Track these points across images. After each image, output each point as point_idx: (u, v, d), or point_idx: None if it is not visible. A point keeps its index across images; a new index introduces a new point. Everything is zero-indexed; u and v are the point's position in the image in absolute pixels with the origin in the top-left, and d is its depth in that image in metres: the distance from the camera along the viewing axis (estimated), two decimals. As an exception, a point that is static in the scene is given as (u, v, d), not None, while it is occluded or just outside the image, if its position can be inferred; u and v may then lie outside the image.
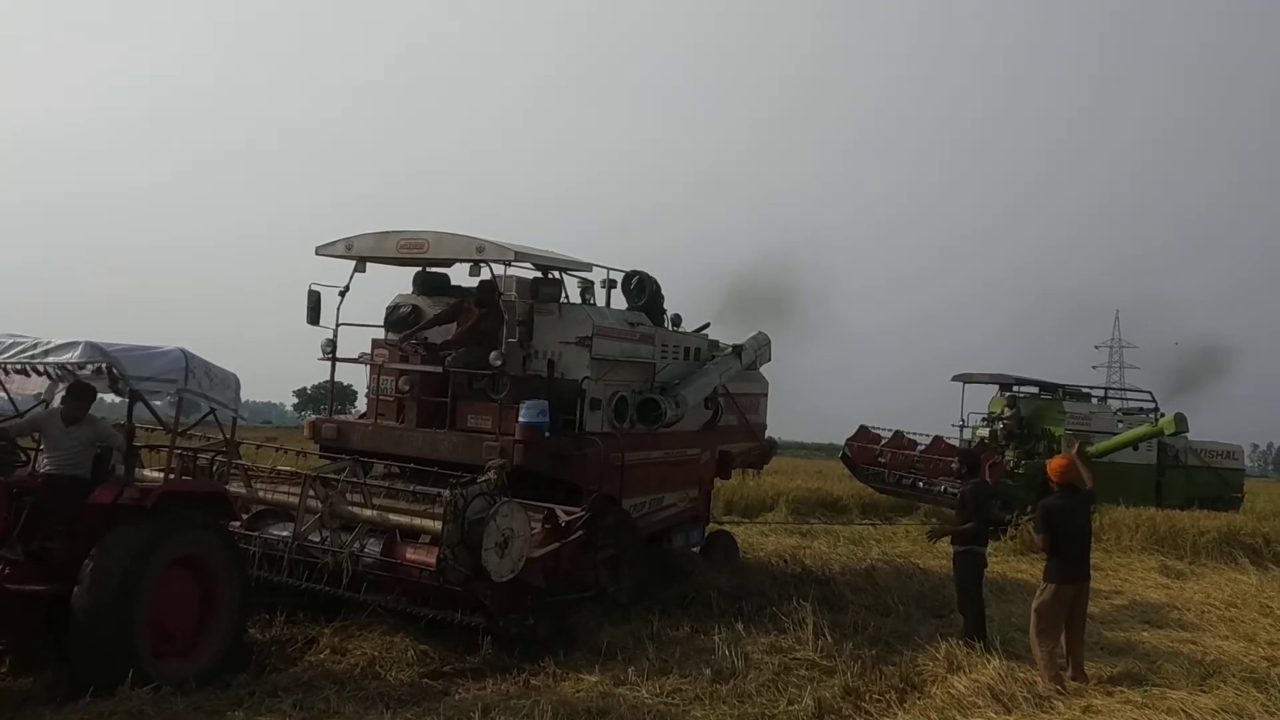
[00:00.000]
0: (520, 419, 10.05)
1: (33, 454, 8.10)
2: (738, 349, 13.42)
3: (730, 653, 8.51)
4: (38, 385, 8.17)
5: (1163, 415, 22.44)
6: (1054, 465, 9.04)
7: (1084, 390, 25.54)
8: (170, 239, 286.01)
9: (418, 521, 8.73)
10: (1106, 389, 30.25)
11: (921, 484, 22.22)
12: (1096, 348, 68.64)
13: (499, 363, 10.23)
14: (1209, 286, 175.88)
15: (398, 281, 11.91)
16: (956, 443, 23.10)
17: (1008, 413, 22.95)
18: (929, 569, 14.11)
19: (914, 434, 23.51)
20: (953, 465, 20.87)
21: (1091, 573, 9.14)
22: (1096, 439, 21.40)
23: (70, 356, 7.12)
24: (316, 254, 11.07)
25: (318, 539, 8.80)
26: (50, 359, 7.23)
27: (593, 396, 10.82)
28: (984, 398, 24.34)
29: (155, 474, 8.63)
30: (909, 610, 11.24)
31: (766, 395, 14.42)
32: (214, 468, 8.91)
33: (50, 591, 6.98)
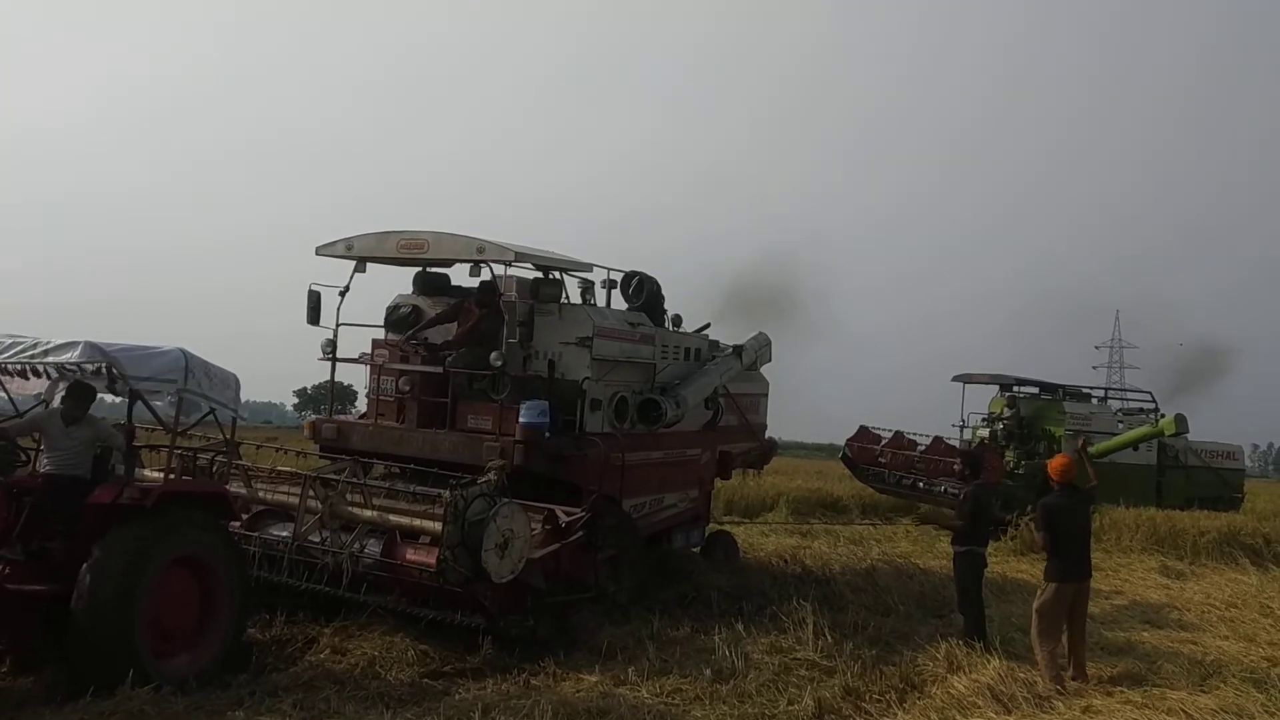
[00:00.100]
0: (520, 419, 10.05)
1: (33, 454, 8.10)
2: (738, 349, 13.41)
3: (730, 653, 8.51)
4: (38, 385, 8.16)
5: (1163, 416, 22.44)
6: (1054, 465, 9.04)
7: (1084, 390, 25.53)
8: (170, 238, 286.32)
9: (418, 522, 8.73)
10: (1107, 389, 30.25)
11: (922, 484, 22.21)
12: (1097, 348, 68.72)
13: (499, 363, 10.23)
14: (1209, 286, 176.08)
15: (398, 282, 11.92)
16: (957, 443, 23.10)
17: (1008, 413, 22.95)
18: (929, 569, 14.11)
19: (914, 434, 23.51)
20: (955, 467, 20.89)
21: (1092, 572, 9.15)
22: (1097, 439, 21.39)
23: (70, 356, 7.11)
24: (316, 254, 11.07)
25: (318, 539, 8.80)
26: (50, 359, 7.22)
27: (593, 397, 10.82)
28: (984, 398, 24.36)
29: (155, 474, 8.64)
30: (909, 610, 11.24)
31: (767, 395, 14.42)
32: (214, 468, 8.91)
33: (50, 591, 6.98)
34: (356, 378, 12.90)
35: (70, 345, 7.11)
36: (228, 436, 8.40)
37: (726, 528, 15.90)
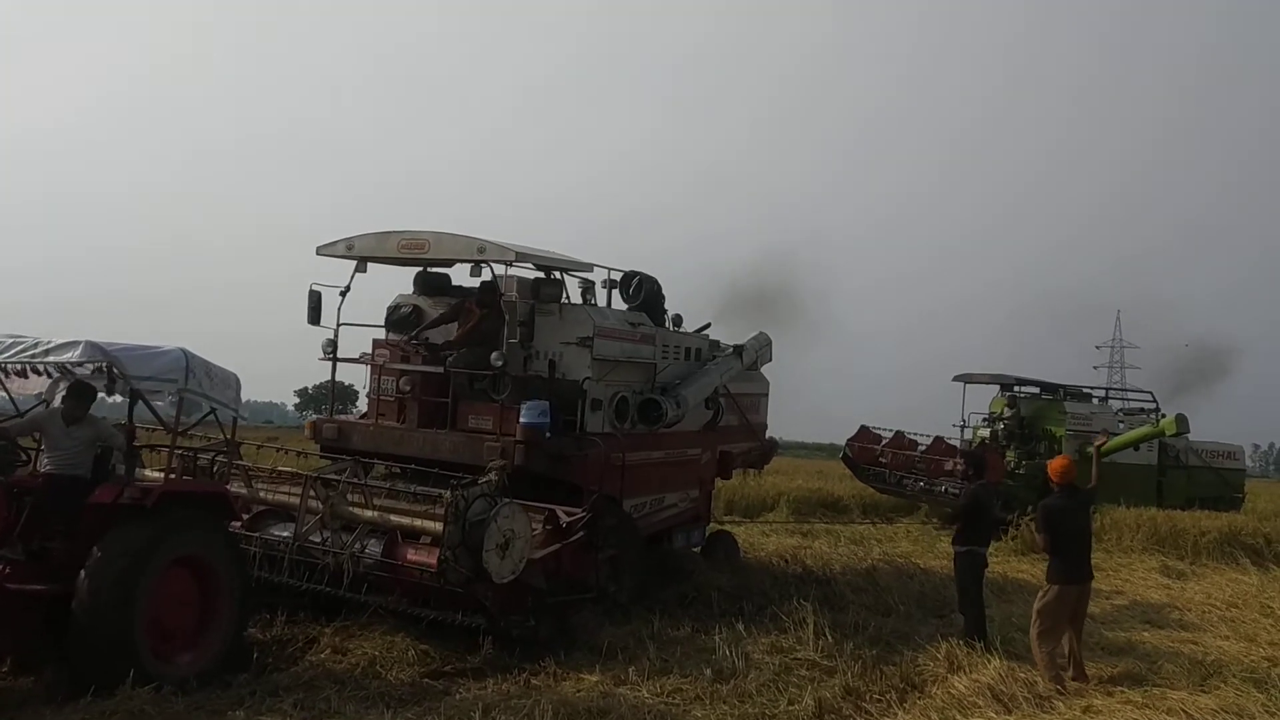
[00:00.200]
0: (521, 420, 10.05)
1: (33, 454, 8.10)
2: (738, 349, 13.41)
3: (731, 652, 8.51)
4: (38, 385, 8.16)
5: (1164, 416, 22.42)
6: (1054, 465, 9.04)
7: (1085, 390, 25.52)
8: (171, 238, 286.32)
9: (419, 522, 8.73)
10: (1107, 389, 30.22)
11: (922, 484, 22.21)
12: (1098, 348, 68.60)
13: (500, 363, 10.23)
14: (1209, 286, 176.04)
15: (398, 282, 11.92)
16: (957, 443, 23.10)
17: (1008, 413, 22.94)
18: (930, 569, 14.11)
19: (915, 434, 23.51)
20: (957, 467, 20.88)
21: (1093, 574, 9.14)
22: (1097, 439, 21.37)
23: (70, 356, 7.11)
24: (317, 254, 11.08)
25: (318, 539, 8.80)
26: (50, 358, 7.22)
27: (594, 397, 10.81)
28: (985, 398, 24.34)
29: (156, 474, 8.64)
30: (910, 610, 11.24)
31: (767, 395, 14.42)
32: (214, 468, 8.91)
33: (51, 591, 6.97)
34: (358, 377, 12.87)
35: (71, 345, 7.11)
36: (228, 436, 8.40)
37: (727, 527, 15.91)
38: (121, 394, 7.70)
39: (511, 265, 10.51)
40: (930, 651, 9.06)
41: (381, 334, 11.53)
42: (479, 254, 10.26)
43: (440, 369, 10.69)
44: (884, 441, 23.20)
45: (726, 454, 13.18)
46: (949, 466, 21.79)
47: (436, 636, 8.63)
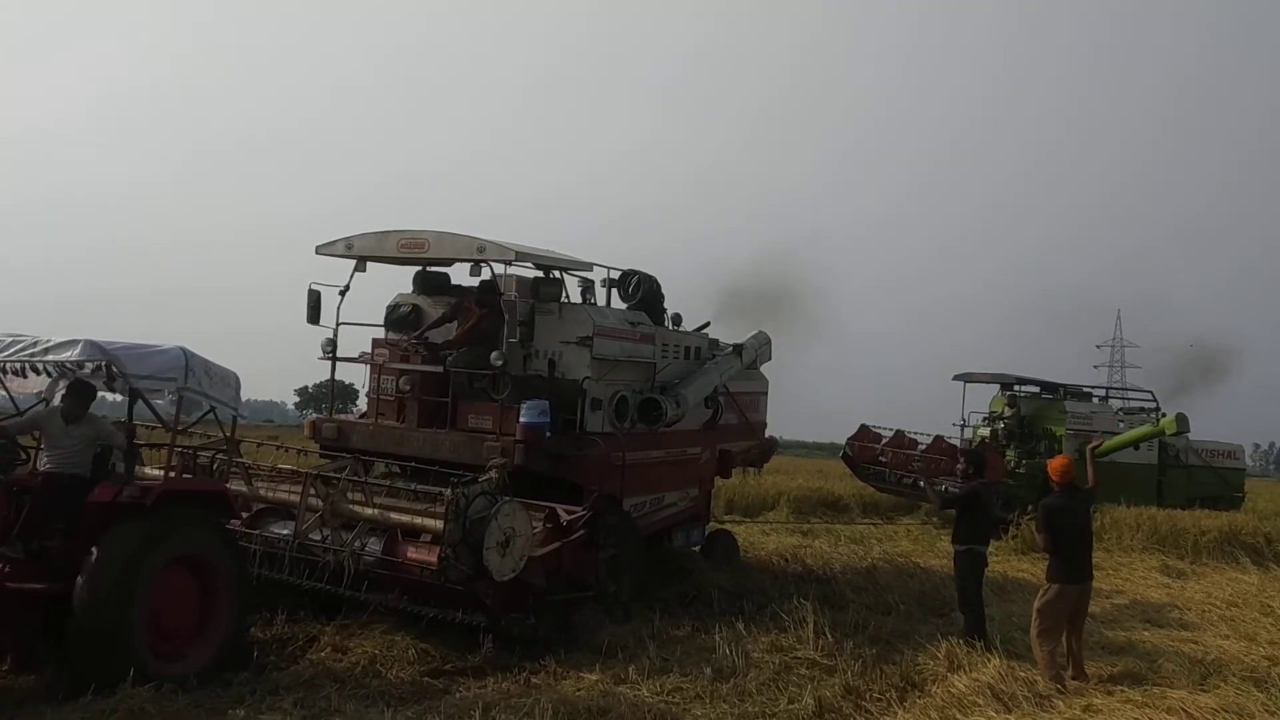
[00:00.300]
0: (521, 419, 10.05)
1: (33, 452, 8.10)
2: (738, 348, 13.40)
3: (731, 651, 8.51)
4: (38, 384, 8.15)
5: (1164, 415, 22.40)
6: (1055, 465, 9.03)
7: (1085, 390, 25.50)
8: (171, 237, 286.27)
9: (419, 520, 8.73)
10: (1108, 388, 30.20)
11: (922, 484, 22.18)
12: (1098, 347, 68.58)
13: (500, 363, 10.22)
14: (1209, 286, 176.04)
15: (398, 281, 11.92)
16: (958, 442, 23.08)
17: (1008, 412, 22.92)
18: (930, 568, 14.11)
19: (915, 433, 23.49)
20: (957, 466, 20.85)
21: (1093, 573, 9.14)
22: (1093, 440, 21.36)
23: (70, 355, 7.12)
24: (317, 253, 11.07)
25: (319, 537, 8.80)
26: (50, 357, 7.22)
27: (593, 396, 10.81)
28: (985, 397, 24.32)
29: (155, 472, 8.63)
30: (910, 609, 11.23)
31: (766, 394, 14.42)
32: (214, 466, 8.91)
33: (50, 590, 6.97)
34: (358, 376, 12.86)
35: (70, 343, 7.12)
36: (228, 435, 8.40)
37: (728, 526, 15.91)
38: (121, 392, 7.70)
39: (511, 264, 10.50)
40: (930, 650, 9.05)
41: (381, 333, 11.52)
42: (478, 253, 10.25)
43: (440, 368, 10.68)
44: (884, 440, 23.19)
45: (726, 453, 13.18)
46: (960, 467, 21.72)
47: (437, 635, 8.63)
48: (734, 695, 7.74)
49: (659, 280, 12.39)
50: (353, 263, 10.95)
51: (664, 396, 11.59)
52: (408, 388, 10.88)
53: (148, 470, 8.86)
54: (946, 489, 20.73)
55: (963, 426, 23.73)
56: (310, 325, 11.01)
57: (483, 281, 10.72)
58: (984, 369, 24.20)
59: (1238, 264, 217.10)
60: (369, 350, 11.32)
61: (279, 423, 64.61)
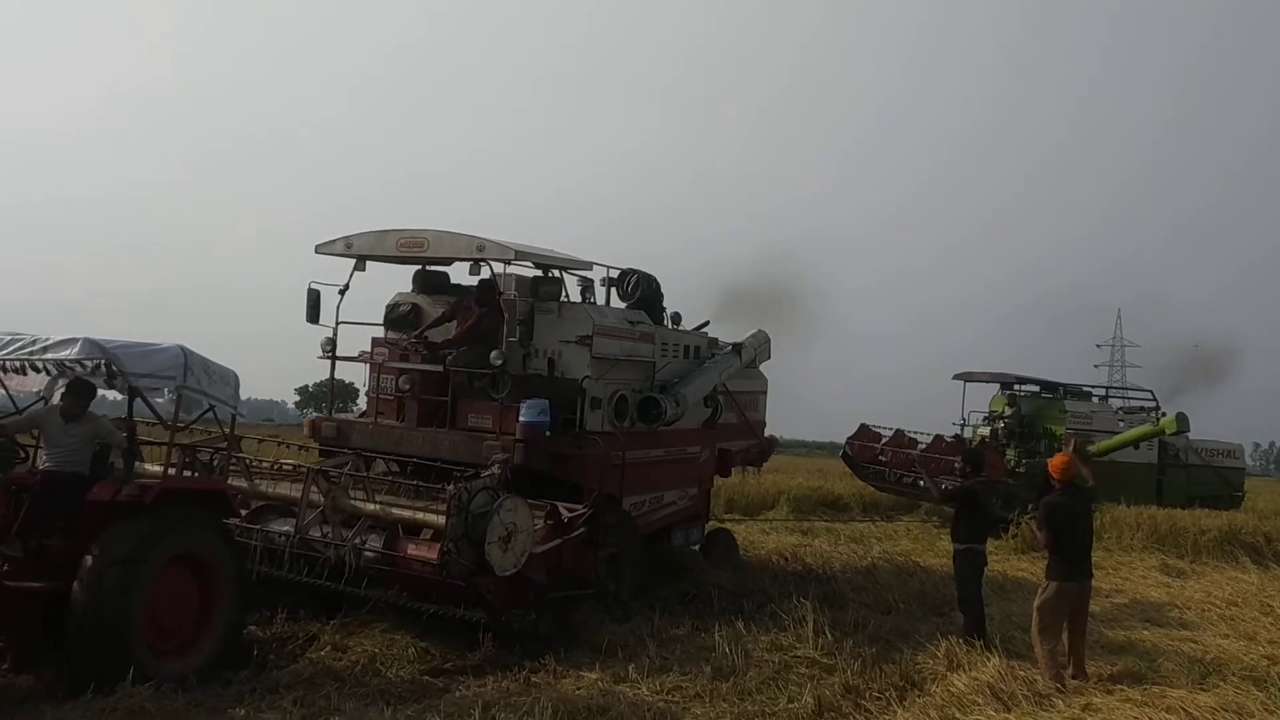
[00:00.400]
0: (521, 418, 10.04)
1: (32, 451, 8.10)
2: (737, 347, 13.40)
3: (731, 650, 8.52)
4: (37, 382, 8.15)
5: (1164, 414, 22.40)
6: (1055, 463, 9.04)
7: (1085, 389, 25.50)
8: (171, 237, 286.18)
9: (420, 516, 8.73)
10: (1108, 388, 30.18)
11: (922, 483, 22.16)
12: (1098, 346, 68.66)
13: (499, 362, 10.22)
14: (1209, 286, 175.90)
15: (397, 280, 11.91)
16: (957, 433, 23.05)
17: (1008, 411, 22.89)
18: (929, 567, 14.11)
19: (915, 433, 23.47)
20: (956, 465, 20.83)
21: (1093, 572, 9.14)
22: (1098, 438, 21.36)
23: (69, 353, 7.11)
24: (316, 252, 11.05)
25: (319, 534, 8.80)
26: (49, 356, 7.22)
27: (593, 395, 10.81)
28: (985, 396, 24.31)
29: (155, 469, 8.63)
30: (909, 608, 11.24)
31: (766, 393, 14.42)
32: (214, 463, 8.90)
33: (49, 588, 6.97)
34: (358, 375, 12.85)
35: (69, 342, 7.12)
36: (227, 433, 8.39)
37: (727, 525, 15.90)
38: (120, 391, 7.70)
39: (510, 264, 10.49)
40: (930, 649, 9.05)
41: (380, 332, 11.51)
42: (478, 252, 10.24)
43: (439, 367, 10.68)
44: (884, 440, 23.18)
45: (725, 451, 13.18)
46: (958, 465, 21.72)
47: (437, 633, 8.63)
48: (734, 694, 7.74)
49: (658, 279, 12.40)
50: (352, 262, 10.95)
51: (663, 395, 11.58)
52: (407, 387, 10.88)
53: (148, 468, 8.85)
54: (946, 486, 20.80)
55: (963, 426, 23.72)
56: (310, 324, 11.00)
57: (482, 280, 10.71)
58: (984, 368, 24.18)
59: (1238, 264, 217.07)
60: (369, 349, 11.31)
61: (279, 422, 64.51)
